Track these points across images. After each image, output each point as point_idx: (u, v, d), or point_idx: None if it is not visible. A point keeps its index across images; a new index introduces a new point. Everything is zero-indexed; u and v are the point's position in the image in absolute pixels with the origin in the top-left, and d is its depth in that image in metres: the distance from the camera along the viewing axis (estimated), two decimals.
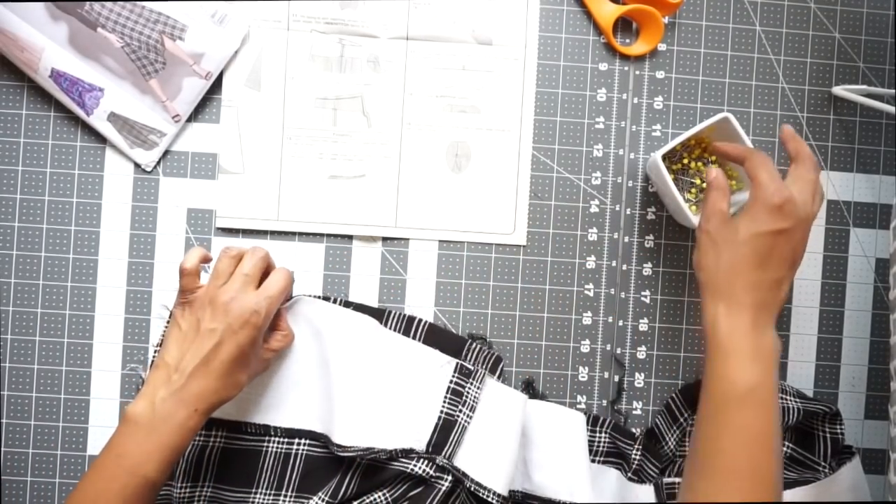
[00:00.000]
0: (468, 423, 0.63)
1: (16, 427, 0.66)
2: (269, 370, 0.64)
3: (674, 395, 0.68)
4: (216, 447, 0.63)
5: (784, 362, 0.69)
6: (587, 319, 0.69)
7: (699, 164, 0.66)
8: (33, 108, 0.66)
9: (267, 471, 0.63)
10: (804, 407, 0.64)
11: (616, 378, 0.69)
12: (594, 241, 0.69)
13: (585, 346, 0.69)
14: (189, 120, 0.67)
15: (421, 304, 0.68)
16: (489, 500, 0.61)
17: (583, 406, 0.68)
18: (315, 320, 0.64)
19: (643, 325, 0.69)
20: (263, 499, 0.63)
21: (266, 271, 0.61)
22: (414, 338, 0.65)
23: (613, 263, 0.69)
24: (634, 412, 0.69)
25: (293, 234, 0.67)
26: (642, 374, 0.69)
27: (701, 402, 0.56)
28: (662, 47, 0.69)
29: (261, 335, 0.58)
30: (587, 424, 0.65)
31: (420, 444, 0.62)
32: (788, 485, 0.63)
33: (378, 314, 0.66)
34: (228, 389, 0.57)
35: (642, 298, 0.69)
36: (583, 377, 0.68)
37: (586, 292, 0.69)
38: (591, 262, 0.69)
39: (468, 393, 0.63)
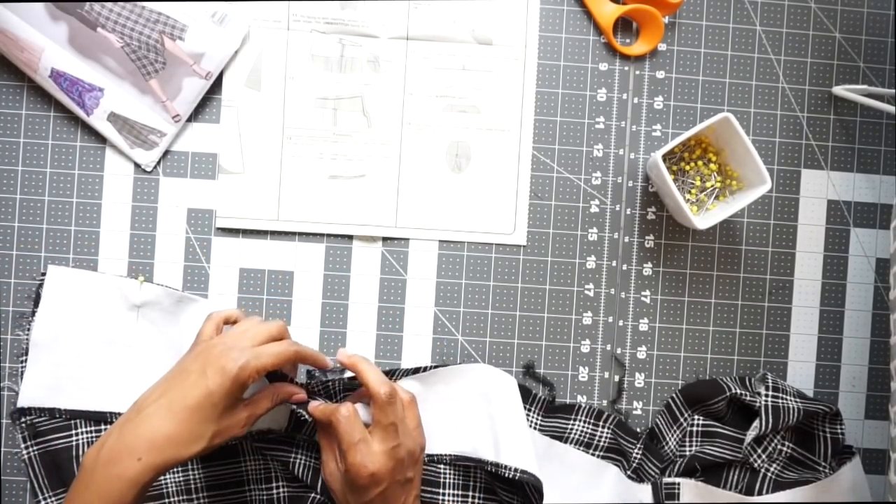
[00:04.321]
0: None
1: None
2: (120, 362, 0.64)
3: (674, 395, 0.68)
4: (83, 445, 0.63)
5: (784, 362, 0.69)
6: (587, 319, 0.69)
7: (699, 163, 0.66)
8: (33, 108, 0.66)
9: None
10: (804, 407, 0.63)
11: (616, 378, 0.69)
12: (594, 241, 0.69)
13: (585, 346, 0.69)
14: (189, 120, 0.67)
15: (421, 303, 0.68)
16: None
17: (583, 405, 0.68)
18: (163, 305, 0.64)
19: (643, 325, 0.69)
20: (166, 477, 0.63)
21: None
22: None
23: (613, 263, 0.69)
24: (634, 412, 0.69)
25: (293, 234, 0.67)
26: (642, 374, 0.69)
27: None
28: (662, 47, 0.69)
29: (237, 390, 0.51)
30: (591, 418, 0.66)
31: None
32: (789, 485, 0.63)
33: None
34: (186, 442, 0.50)
35: (642, 298, 0.69)
36: (583, 377, 0.68)
37: (586, 292, 0.69)
38: (591, 262, 0.69)
39: None
